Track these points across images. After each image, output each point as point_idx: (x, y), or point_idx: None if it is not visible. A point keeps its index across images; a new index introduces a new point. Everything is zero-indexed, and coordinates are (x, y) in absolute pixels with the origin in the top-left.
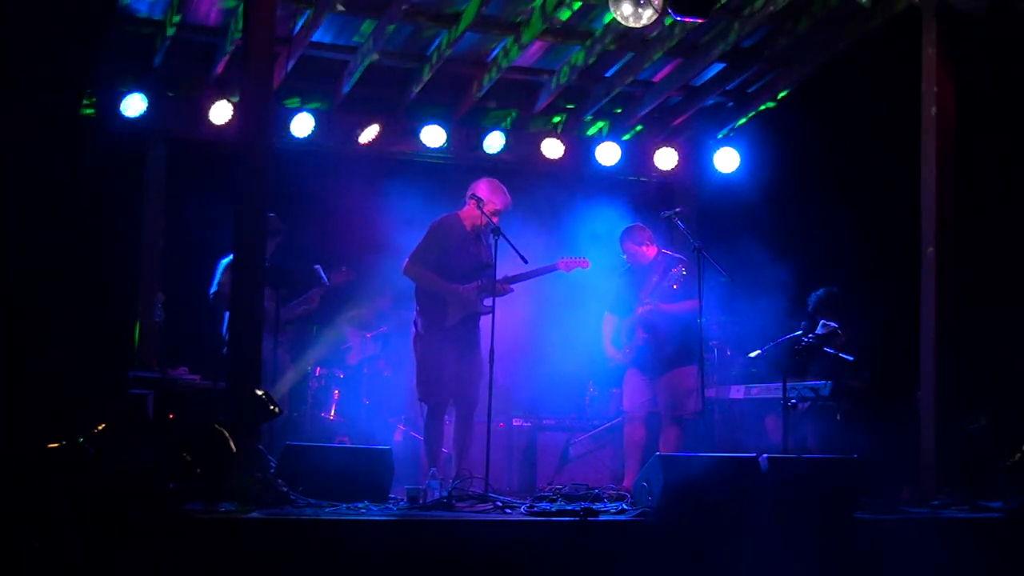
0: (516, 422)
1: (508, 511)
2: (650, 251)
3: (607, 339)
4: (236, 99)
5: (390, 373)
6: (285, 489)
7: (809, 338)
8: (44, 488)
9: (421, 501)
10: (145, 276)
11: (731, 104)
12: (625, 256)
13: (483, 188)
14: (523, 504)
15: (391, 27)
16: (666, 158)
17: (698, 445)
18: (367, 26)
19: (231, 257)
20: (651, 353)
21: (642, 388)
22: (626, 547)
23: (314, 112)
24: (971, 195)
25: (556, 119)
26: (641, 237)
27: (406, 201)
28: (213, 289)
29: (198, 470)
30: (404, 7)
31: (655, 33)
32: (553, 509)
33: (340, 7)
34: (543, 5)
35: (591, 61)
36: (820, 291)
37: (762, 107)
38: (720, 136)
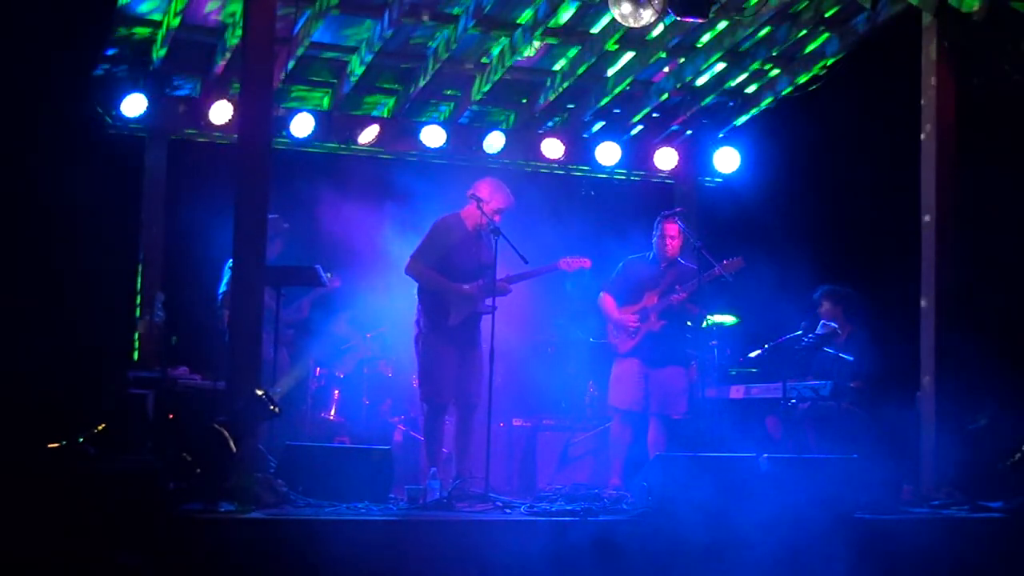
0: (516, 422)
1: (508, 511)
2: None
3: (615, 310)
4: (236, 95)
5: (390, 373)
6: (285, 489)
7: (809, 338)
8: (44, 488)
9: (421, 501)
10: (145, 276)
11: (731, 104)
12: (662, 240)
13: (484, 188)
14: (523, 504)
15: (391, 28)
16: (666, 158)
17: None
18: (367, 26)
19: None
20: (662, 342)
21: (638, 382)
22: (626, 547)
23: (314, 112)
24: (971, 195)
25: (556, 119)
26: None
27: (406, 201)
28: (222, 289)
29: (198, 470)
30: (404, 7)
31: (655, 33)
32: (553, 509)
33: None
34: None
35: (591, 61)
36: (828, 286)
37: (762, 107)
38: (720, 136)
